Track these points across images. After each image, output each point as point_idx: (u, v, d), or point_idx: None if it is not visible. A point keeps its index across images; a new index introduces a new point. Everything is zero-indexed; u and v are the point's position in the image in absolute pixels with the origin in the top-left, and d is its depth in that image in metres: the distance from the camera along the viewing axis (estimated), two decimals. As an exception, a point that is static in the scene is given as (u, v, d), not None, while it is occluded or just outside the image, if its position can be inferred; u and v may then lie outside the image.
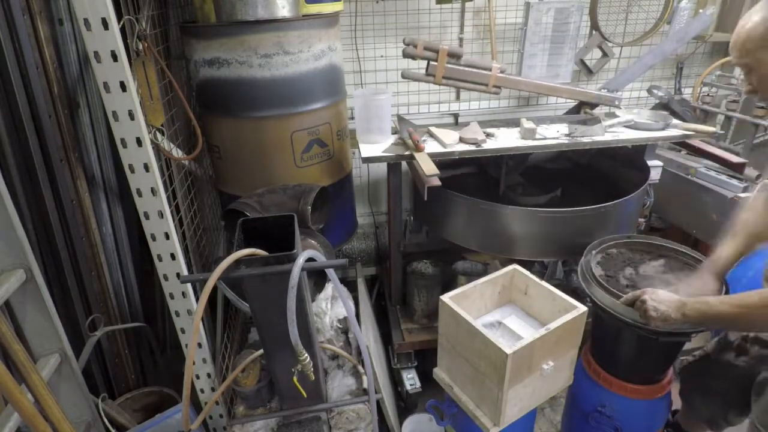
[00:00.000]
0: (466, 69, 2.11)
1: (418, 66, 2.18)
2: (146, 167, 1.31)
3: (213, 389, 1.71)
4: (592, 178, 2.54)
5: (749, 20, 1.09)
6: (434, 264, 2.47)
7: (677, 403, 1.78)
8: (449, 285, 2.35)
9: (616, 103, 2.37)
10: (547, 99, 3.02)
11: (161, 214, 1.38)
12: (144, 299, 2.06)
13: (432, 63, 2.08)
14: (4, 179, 1.07)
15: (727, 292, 1.41)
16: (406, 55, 2.08)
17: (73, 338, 1.46)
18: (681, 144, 2.28)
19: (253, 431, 1.66)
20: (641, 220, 2.29)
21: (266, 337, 1.41)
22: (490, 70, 2.11)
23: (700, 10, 2.53)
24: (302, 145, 2.05)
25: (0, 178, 1.05)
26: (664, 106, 2.86)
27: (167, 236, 1.41)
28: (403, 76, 2.15)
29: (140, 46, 1.55)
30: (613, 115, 2.37)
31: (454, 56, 2.08)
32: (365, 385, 1.71)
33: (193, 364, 1.61)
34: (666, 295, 1.29)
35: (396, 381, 2.36)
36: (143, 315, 2.04)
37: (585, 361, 1.71)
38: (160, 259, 1.45)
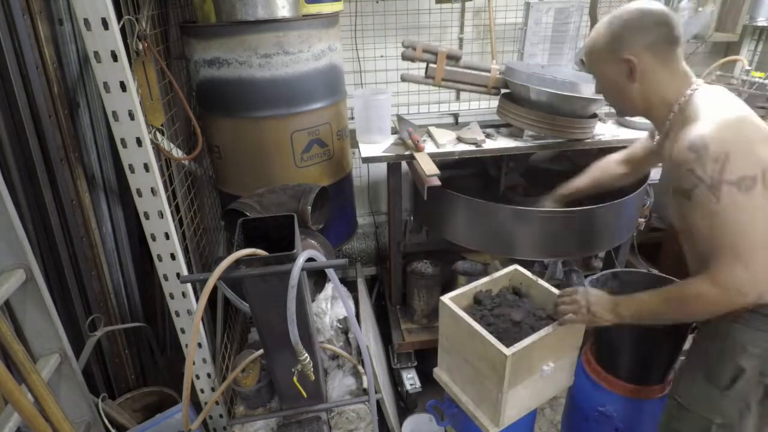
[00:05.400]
0: (466, 71, 2.11)
1: (418, 67, 2.18)
2: (146, 167, 1.31)
3: (213, 389, 1.71)
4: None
5: (595, 32, 1.21)
6: (434, 264, 2.47)
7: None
8: (449, 285, 2.34)
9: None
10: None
11: (161, 214, 1.38)
12: (144, 299, 2.06)
13: (431, 65, 2.08)
14: (4, 179, 1.07)
15: None
16: (405, 57, 2.08)
17: (73, 338, 1.46)
18: (681, 144, 2.28)
19: (253, 431, 1.66)
20: (641, 220, 2.29)
21: (266, 337, 1.40)
22: (489, 71, 2.11)
23: (700, 9, 2.53)
24: (302, 145, 2.05)
25: (0, 178, 1.05)
26: (664, 106, 2.85)
27: (167, 236, 1.41)
28: (402, 79, 2.15)
29: (140, 46, 1.55)
30: (613, 115, 2.37)
31: (453, 58, 2.08)
32: (365, 385, 1.71)
33: (193, 364, 1.61)
34: (598, 295, 1.29)
35: (396, 381, 2.36)
36: (143, 315, 2.04)
37: (585, 361, 1.71)
38: (160, 259, 1.45)
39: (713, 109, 1.07)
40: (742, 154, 0.99)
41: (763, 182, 0.99)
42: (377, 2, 2.61)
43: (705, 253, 1.06)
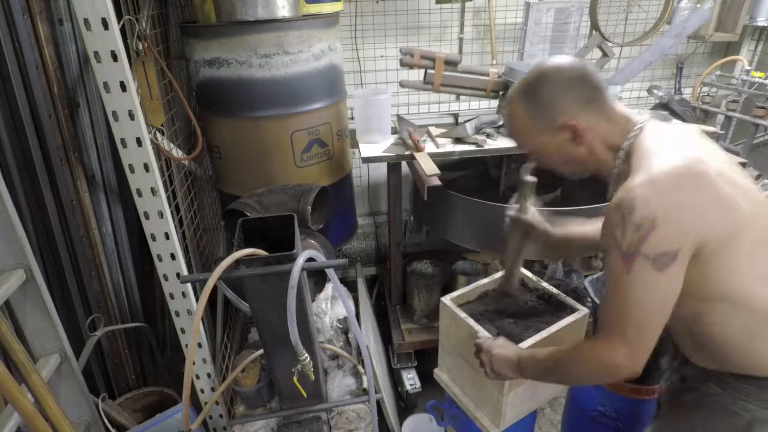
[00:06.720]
0: (464, 76, 2.11)
1: (418, 72, 2.18)
2: (146, 167, 1.30)
3: (213, 389, 1.71)
4: (592, 178, 2.54)
5: (513, 111, 1.10)
6: (434, 264, 2.47)
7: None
8: (449, 285, 2.34)
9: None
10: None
11: (161, 214, 1.38)
12: (144, 299, 2.06)
13: (429, 71, 2.08)
14: (4, 179, 1.07)
15: None
16: (403, 64, 2.09)
17: (73, 338, 1.46)
18: (681, 144, 2.28)
19: (253, 431, 1.66)
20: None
21: (266, 337, 1.41)
22: (488, 75, 2.12)
23: (698, 5, 2.53)
24: (302, 145, 2.05)
25: (0, 178, 1.05)
26: (664, 106, 2.86)
27: (167, 236, 1.41)
28: (401, 86, 2.16)
29: (140, 46, 1.55)
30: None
31: (452, 63, 2.09)
32: (365, 385, 1.71)
33: (193, 364, 1.61)
34: (503, 353, 1.20)
35: (396, 381, 2.36)
36: (143, 315, 2.04)
37: (585, 362, 1.70)
38: (160, 259, 1.44)
39: (657, 155, 0.94)
40: (670, 223, 0.87)
41: (682, 258, 0.89)
42: (377, 2, 2.61)
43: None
